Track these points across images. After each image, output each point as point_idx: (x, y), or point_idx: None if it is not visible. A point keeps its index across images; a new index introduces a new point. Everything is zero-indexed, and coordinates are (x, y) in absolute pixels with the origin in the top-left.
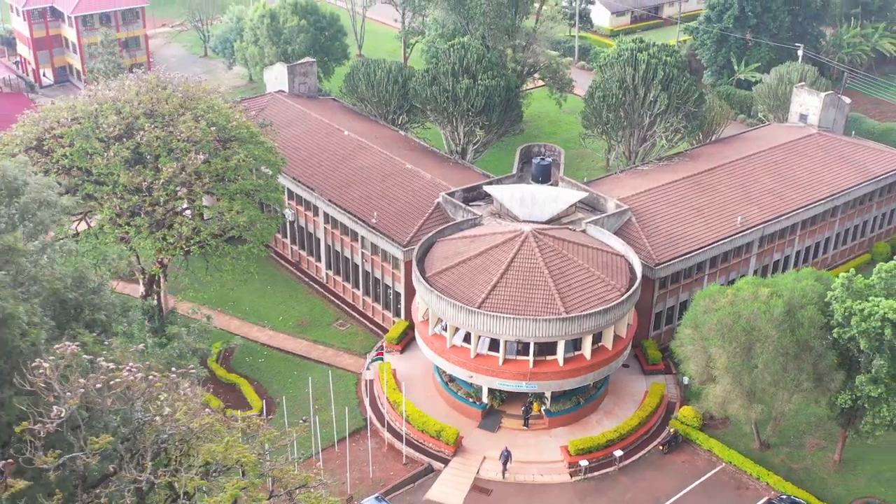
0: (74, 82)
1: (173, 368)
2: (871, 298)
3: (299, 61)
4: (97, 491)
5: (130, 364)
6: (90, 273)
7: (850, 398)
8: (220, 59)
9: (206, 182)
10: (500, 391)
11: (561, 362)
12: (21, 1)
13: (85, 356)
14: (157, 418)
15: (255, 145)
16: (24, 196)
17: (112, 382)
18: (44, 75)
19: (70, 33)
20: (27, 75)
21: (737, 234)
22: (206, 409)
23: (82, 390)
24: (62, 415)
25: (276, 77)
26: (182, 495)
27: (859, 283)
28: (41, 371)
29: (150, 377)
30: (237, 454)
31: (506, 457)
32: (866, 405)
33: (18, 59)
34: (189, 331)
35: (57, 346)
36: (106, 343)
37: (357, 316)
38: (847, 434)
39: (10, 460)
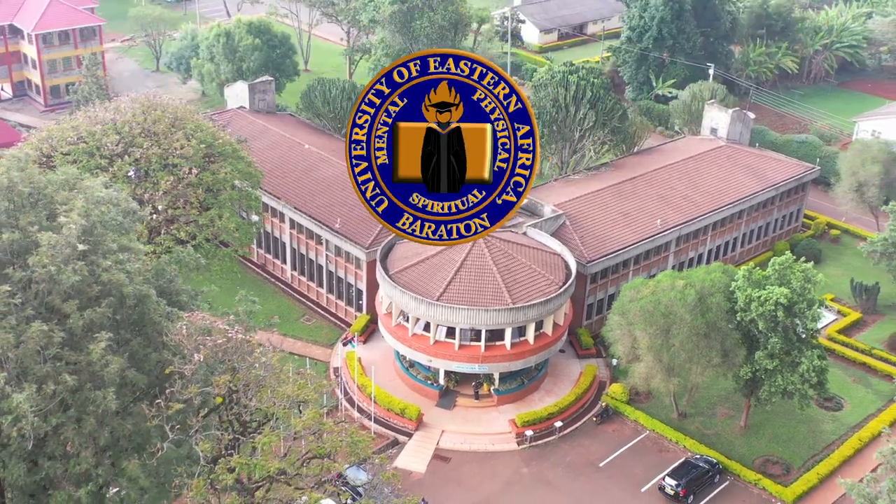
0: (33, 96)
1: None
2: (767, 287)
3: (258, 80)
4: (204, 419)
5: (236, 327)
6: (167, 266)
7: (751, 371)
8: (172, 74)
9: (198, 193)
10: (455, 373)
11: (508, 347)
12: None
13: (208, 318)
14: (257, 364)
15: (237, 160)
16: (116, 206)
17: (220, 340)
18: (2, 89)
19: (30, 50)
20: None
21: (657, 234)
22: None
23: (211, 345)
24: (200, 359)
25: (237, 94)
26: (272, 418)
27: (758, 275)
28: (182, 333)
29: (248, 337)
30: (305, 394)
31: None
32: (764, 377)
33: None
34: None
35: (187, 314)
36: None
37: (321, 312)
38: (750, 403)
39: (169, 390)
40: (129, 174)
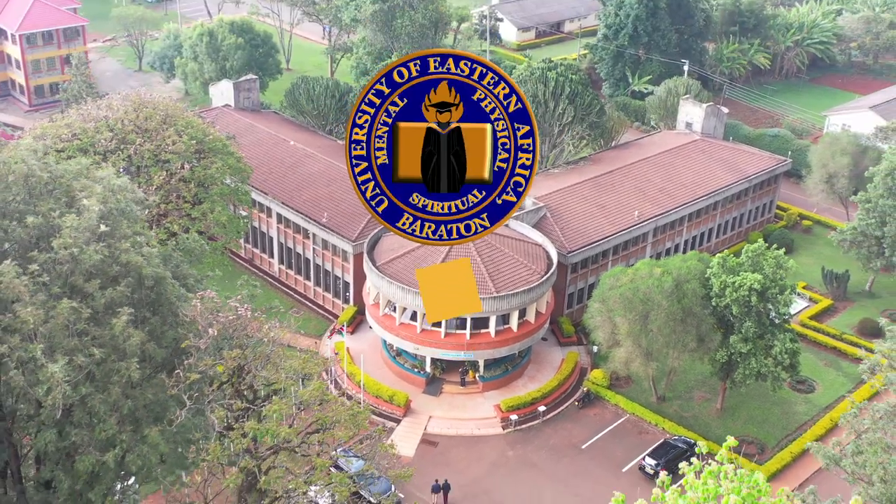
0: (17, 96)
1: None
2: (740, 273)
3: (243, 78)
4: (218, 389)
5: (246, 305)
6: (174, 253)
7: (726, 354)
8: (155, 73)
9: (190, 188)
10: (441, 361)
11: (493, 334)
12: None
13: (216, 300)
14: (265, 339)
15: (227, 155)
16: (122, 194)
17: (231, 317)
18: None
19: (13, 50)
20: None
21: (634, 225)
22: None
23: (223, 321)
24: (214, 333)
25: (223, 92)
26: (282, 390)
27: (732, 262)
28: (196, 310)
29: (257, 313)
30: (310, 367)
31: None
32: (738, 360)
33: None
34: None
35: (199, 293)
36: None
37: (309, 304)
38: (726, 386)
39: (186, 362)
40: (120, 171)
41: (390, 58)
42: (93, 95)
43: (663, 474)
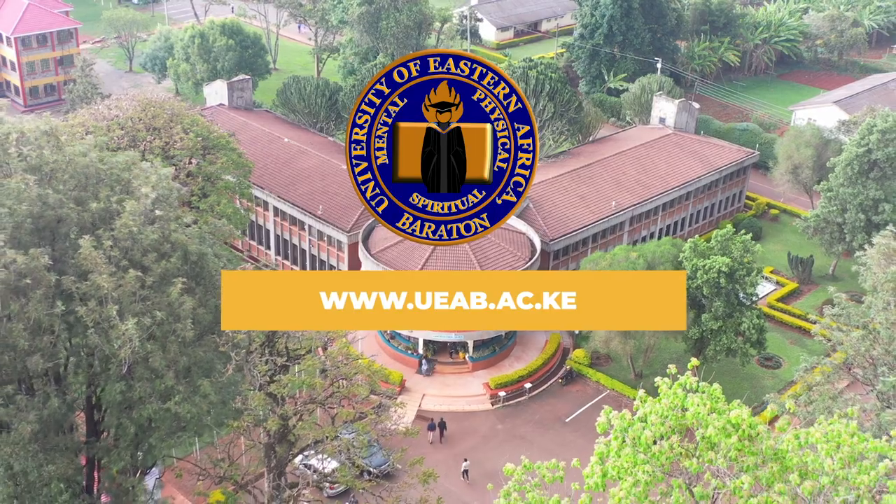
0: (12, 97)
1: None
2: (710, 257)
3: (236, 78)
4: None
5: None
6: (207, 235)
7: (698, 332)
8: (145, 74)
9: (198, 181)
10: (432, 343)
11: None
12: None
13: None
14: None
15: (229, 151)
16: (167, 182)
17: None
18: None
19: (9, 52)
20: None
21: (612, 215)
22: None
23: None
24: None
25: (216, 92)
26: (310, 351)
27: (703, 246)
28: None
29: None
30: (331, 332)
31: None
32: (710, 337)
33: None
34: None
35: (240, 267)
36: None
37: None
38: (699, 362)
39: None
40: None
41: (376, 58)
42: (98, 95)
43: (642, 391)
